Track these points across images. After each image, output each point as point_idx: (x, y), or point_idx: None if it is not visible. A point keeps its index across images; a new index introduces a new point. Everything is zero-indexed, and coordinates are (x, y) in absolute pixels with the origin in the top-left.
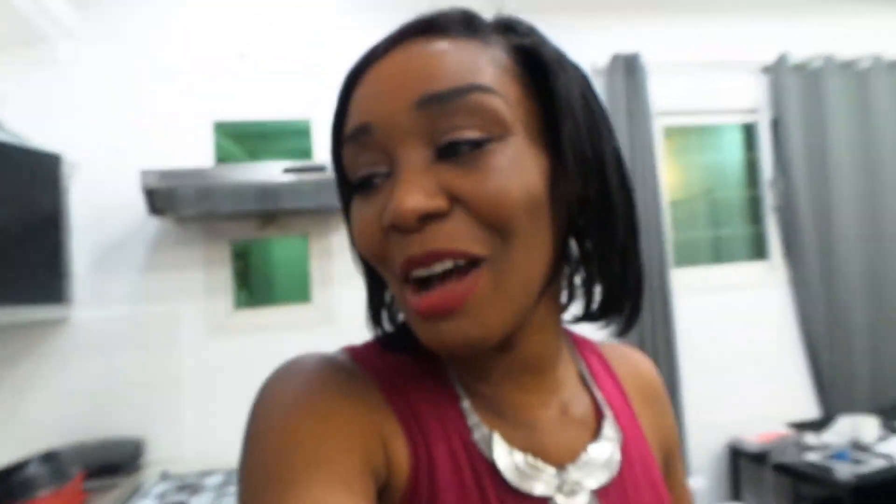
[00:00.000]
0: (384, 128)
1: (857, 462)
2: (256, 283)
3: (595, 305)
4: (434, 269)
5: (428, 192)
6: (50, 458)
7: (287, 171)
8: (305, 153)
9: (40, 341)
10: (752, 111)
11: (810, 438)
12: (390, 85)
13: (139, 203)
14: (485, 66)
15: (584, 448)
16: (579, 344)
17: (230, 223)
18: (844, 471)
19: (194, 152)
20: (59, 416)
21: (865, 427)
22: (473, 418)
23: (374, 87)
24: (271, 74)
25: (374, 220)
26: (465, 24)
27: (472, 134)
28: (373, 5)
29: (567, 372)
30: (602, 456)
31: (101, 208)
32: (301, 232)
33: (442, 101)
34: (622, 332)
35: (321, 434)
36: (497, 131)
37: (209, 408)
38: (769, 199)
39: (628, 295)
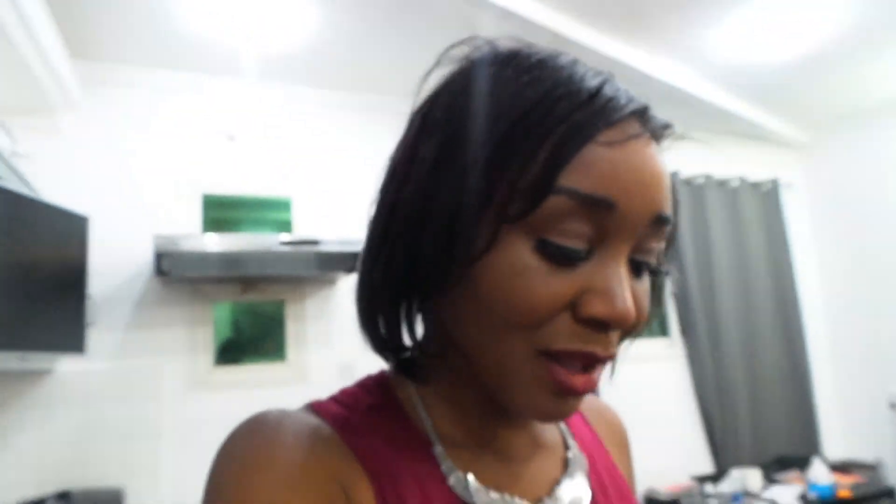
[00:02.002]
0: (625, 219)
1: None
2: (235, 343)
3: None
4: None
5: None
6: (64, 497)
7: (284, 243)
8: (285, 226)
9: (25, 391)
10: None
11: (709, 488)
12: (645, 181)
13: (129, 263)
14: None
15: (556, 480)
16: None
17: (213, 286)
18: None
19: (183, 221)
20: (41, 465)
21: (751, 478)
22: (447, 463)
23: (627, 169)
24: (257, 154)
25: (562, 292)
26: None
27: (656, 261)
28: (345, 104)
29: None
30: (574, 486)
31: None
32: (278, 297)
33: (663, 225)
34: None
35: (278, 492)
36: None
37: (187, 459)
38: (668, 286)
39: None
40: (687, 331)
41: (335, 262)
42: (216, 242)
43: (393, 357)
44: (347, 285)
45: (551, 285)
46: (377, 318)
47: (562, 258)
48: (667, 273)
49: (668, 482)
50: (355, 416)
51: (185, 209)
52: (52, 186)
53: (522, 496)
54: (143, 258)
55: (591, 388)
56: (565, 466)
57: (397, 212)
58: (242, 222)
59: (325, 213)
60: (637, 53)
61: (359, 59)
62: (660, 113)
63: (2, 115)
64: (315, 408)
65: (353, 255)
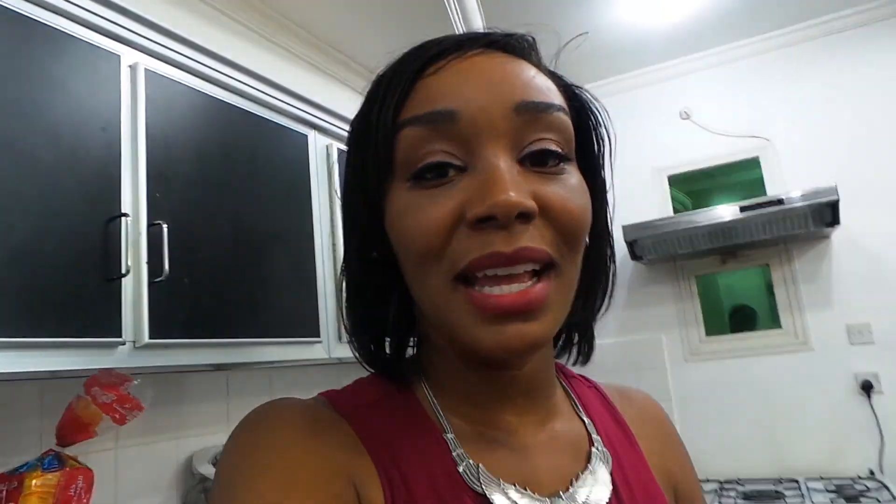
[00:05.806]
0: (475, 120)
1: None
2: (729, 312)
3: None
4: (515, 269)
5: (524, 191)
6: None
7: (743, 209)
8: (758, 186)
9: None
10: None
11: None
12: (487, 81)
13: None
14: (558, 92)
15: (575, 475)
16: (566, 373)
17: (692, 261)
18: None
19: (652, 205)
20: None
21: None
22: (458, 450)
23: (463, 79)
24: (714, 124)
25: (446, 212)
26: (536, 53)
27: (557, 147)
28: (793, 41)
29: (560, 399)
30: (594, 483)
31: None
32: (761, 262)
33: (537, 111)
34: (585, 361)
35: (285, 487)
36: (569, 153)
37: (689, 423)
38: None
39: (590, 326)
40: None
41: (811, 218)
42: (681, 221)
43: (392, 363)
44: (842, 238)
45: (433, 208)
46: (367, 325)
47: (433, 179)
48: (599, 153)
49: None
50: (367, 405)
51: (653, 192)
52: None
53: (537, 490)
54: (618, 245)
55: (531, 302)
56: (587, 461)
57: (345, 225)
58: (713, 191)
59: (797, 164)
60: None
61: None
62: None
63: None
64: (327, 397)
65: (831, 206)
